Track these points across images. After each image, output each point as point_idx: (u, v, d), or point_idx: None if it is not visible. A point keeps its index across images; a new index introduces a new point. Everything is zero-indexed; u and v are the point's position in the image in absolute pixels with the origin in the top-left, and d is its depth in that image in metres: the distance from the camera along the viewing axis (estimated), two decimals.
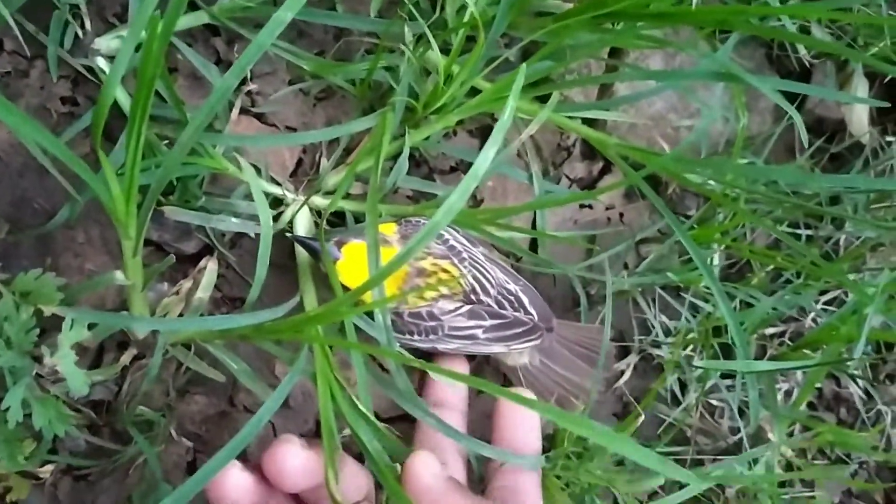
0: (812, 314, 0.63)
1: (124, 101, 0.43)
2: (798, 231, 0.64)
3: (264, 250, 0.44)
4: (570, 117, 0.55)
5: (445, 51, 0.48)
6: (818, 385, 0.65)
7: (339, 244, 0.45)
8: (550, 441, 0.53)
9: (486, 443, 0.47)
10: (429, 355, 0.50)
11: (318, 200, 0.49)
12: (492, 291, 0.48)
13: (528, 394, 0.48)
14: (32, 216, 0.45)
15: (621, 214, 0.61)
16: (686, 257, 0.58)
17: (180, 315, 0.46)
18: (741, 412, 0.59)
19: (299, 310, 0.46)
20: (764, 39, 0.64)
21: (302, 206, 0.48)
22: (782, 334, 0.64)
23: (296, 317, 0.39)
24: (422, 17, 0.48)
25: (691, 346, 0.59)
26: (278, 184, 0.49)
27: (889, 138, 0.68)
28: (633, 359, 0.59)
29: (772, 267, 0.61)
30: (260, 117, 0.50)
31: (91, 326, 0.40)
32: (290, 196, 0.49)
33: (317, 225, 0.48)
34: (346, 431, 0.40)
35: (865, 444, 0.58)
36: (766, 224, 0.51)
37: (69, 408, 0.41)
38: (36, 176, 0.45)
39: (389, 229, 0.48)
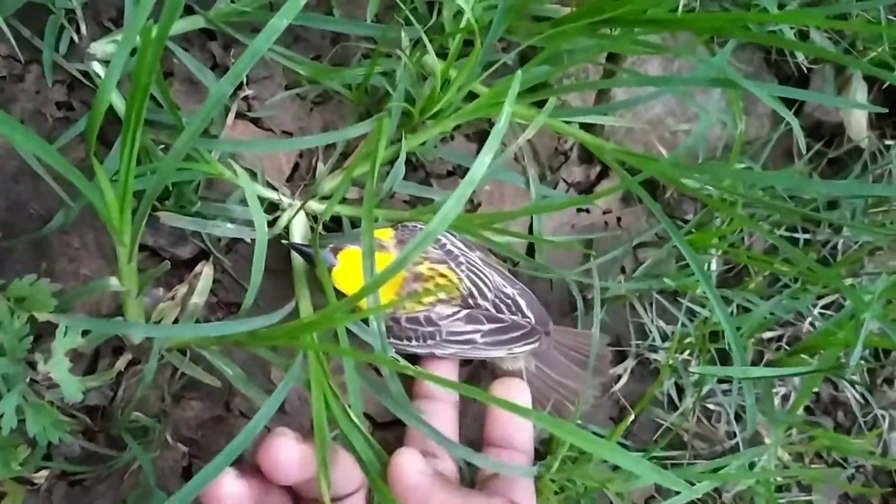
0: (809, 318, 0.63)
1: (120, 105, 0.43)
2: (796, 235, 0.64)
3: (259, 257, 0.44)
4: (567, 122, 0.55)
5: (443, 55, 0.48)
6: (815, 389, 0.65)
7: (336, 250, 0.44)
8: (546, 445, 0.53)
9: (479, 437, 0.48)
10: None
11: (315, 205, 0.49)
12: (489, 295, 0.48)
13: (522, 386, 0.49)
14: (27, 221, 0.45)
15: (619, 219, 0.60)
16: (683, 262, 0.58)
17: (176, 320, 0.46)
18: (738, 416, 0.59)
19: (295, 315, 0.46)
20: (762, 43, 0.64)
21: (298, 211, 0.48)
22: (779, 338, 0.64)
23: (290, 323, 0.39)
24: (418, 22, 0.48)
25: (688, 351, 0.59)
26: (274, 189, 0.49)
27: (888, 142, 0.68)
28: (629, 363, 0.59)
29: (769, 272, 0.61)
30: (256, 122, 0.50)
31: (85, 332, 0.39)
32: (286, 201, 0.49)
33: (313, 230, 0.48)
34: None
35: (862, 450, 0.58)
36: (763, 230, 0.51)
37: (64, 413, 0.41)
38: (31, 181, 0.45)
39: (386, 234, 0.48)
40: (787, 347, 0.63)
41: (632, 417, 0.51)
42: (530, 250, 0.57)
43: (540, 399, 0.51)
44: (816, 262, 0.60)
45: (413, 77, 0.48)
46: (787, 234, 0.64)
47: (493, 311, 0.48)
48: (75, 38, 0.46)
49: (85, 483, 0.45)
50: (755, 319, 0.57)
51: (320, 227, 0.48)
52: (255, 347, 0.44)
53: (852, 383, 0.64)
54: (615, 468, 0.51)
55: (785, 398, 0.63)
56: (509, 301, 0.49)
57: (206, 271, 0.46)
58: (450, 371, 0.50)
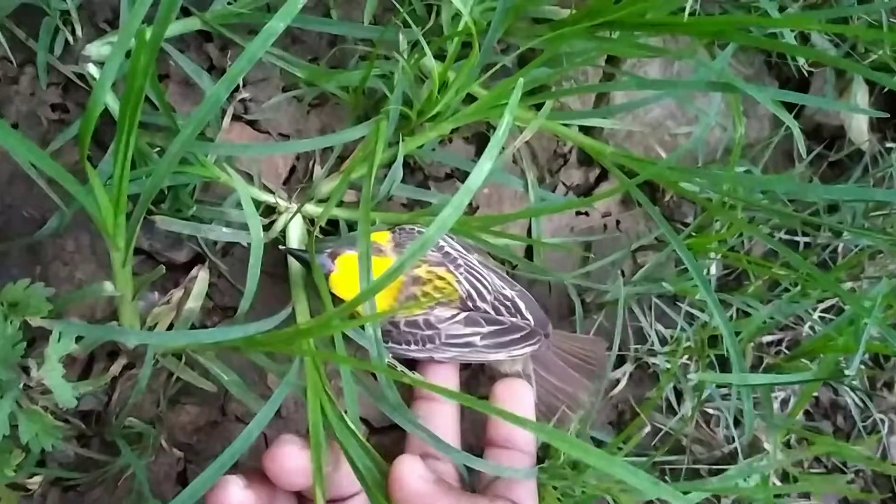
0: (809, 323, 0.63)
1: (115, 107, 0.42)
2: (796, 238, 0.64)
3: (254, 262, 0.44)
4: (566, 124, 0.54)
5: (441, 57, 0.47)
6: (815, 393, 0.65)
7: (333, 255, 0.44)
8: (545, 450, 0.52)
9: (480, 436, 0.48)
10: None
11: (312, 208, 0.49)
12: (488, 297, 0.48)
13: (526, 387, 0.48)
14: (22, 224, 0.45)
15: (618, 222, 0.60)
16: (683, 266, 0.58)
17: (171, 325, 0.45)
18: (737, 421, 0.59)
19: (292, 320, 0.46)
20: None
21: (295, 214, 0.48)
22: (779, 342, 0.64)
23: (286, 330, 0.39)
24: (417, 24, 0.47)
25: (687, 356, 0.59)
26: (271, 192, 0.49)
27: (889, 145, 0.68)
28: (628, 368, 0.58)
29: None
30: (253, 124, 0.50)
31: (79, 338, 0.39)
32: (282, 204, 0.48)
33: (310, 233, 0.48)
34: None
35: (862, 455, 0.58)
36: (763, 235, 0.50)
37: (58, 418, 0.40)
38: (25, 184, 0.44)
39: (383, 238, 0.47)
40: (786, 352, 0.63)
41: (647, 429, 0.50)
42: (529, 253, 0.57)
43: (538, 404, 0.51)
44: (816, 266, 0.60)
45: (411, 79, 0.48)
46: (788, 237, 0.64)
47: (493, 313, 0.48)
48: (70, 39, 0.45)
49: (79, 488, 0.45)
50: (754, 324, 0.57)
51: (317, 231, 0.47)
52: (251, 353, 0.44)
53: (852, 388, 0.64)
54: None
55: (784, 402, 0.63)
56: (508, 303, 0.49)
57: (201, 275, 0.46)
58: (450, 374, 0.49)
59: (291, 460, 0.37)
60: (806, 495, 0.62)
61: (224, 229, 0.47)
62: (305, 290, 0.47)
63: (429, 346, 0.47)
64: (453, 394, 0.38)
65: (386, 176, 0.50)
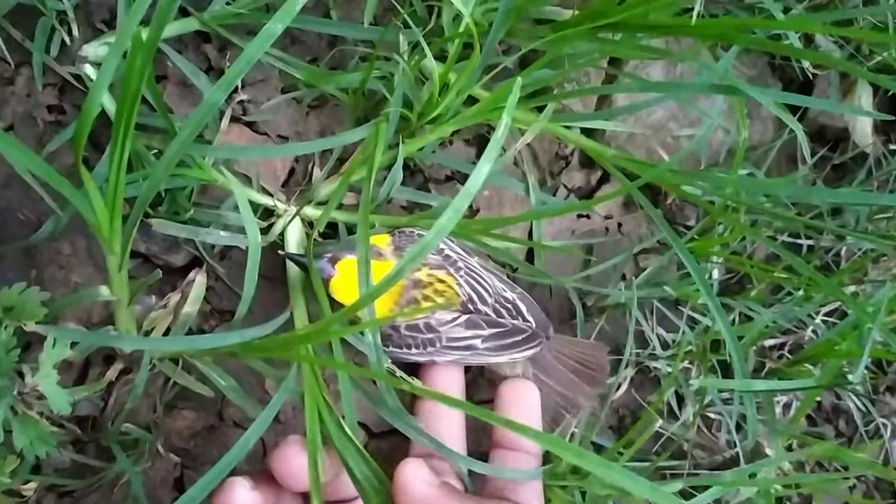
0: (811, 327, 0.62)
1: (112, 109, 0.42)
2: (799, 241, 0.63)
3: (252, 267, 0.43)
4: (567, 127, 0.54)
5: (441, 59, 0.47)
6: (817, 398, 0.64)
7: (334, 260, 0.44)
8: (548, 453, 0.52)
9: (485, 435, 0.47)
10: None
11: (310, 211, 0.48)
12: (489, 300, 0.48)
13: (531, 387, 0.48)
14: (18, 227, 0.44)
15: (619, 225, 0.60)
16: (685, 270, 0.57)
17: (168, 329, 0.45)
18: (738, 426, 0.59)
19: (290, 324, 0.45)
20: None
21: (293, 217, 0.47)
22: (781, 346, 0.63)
23: (284, 335, 0.39)
24: (417, 25, 0.47)
25: (689, 360, 0.58)
26: (270, 194, 0.48)
27: (893, 147, 0.68)
28: (629, 372, 0.58)
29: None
30: (251, 126, 0.49)
31: (75, 343, 0.39)
32: (281, 207, 0.48)
33: (308, 236, 0.47)
34: None
35: (864, 461, 0.57)
36: (765, 239, 0.50)
37: (53, 423, 0.40)
38: (21, 186, 0.44)
39: (383, 241, 0.47)
40: (788, 356, 0.62)
41: (641, 440, 0.50)
42: (529, 256, 0.56)
43: None
44: (819, 270, 0.60)
45: (411, 81, 0.47)
46: (791, 240, 0.63)
47: (494, 315, 0.48)
48: (67, 40, 0.45)
49: (75, 494, 0.45)
50: (757, 328, 0.57)
51: (316, 234, 0.47)
52: (248, 359, 0.43)
53: (855, 392, 0.64)
54: None
55: (786, 406, 0.63)
56: (509, 305, 0.48)
57: (198, 279, 0.46)
58: (455, 375, 0.49)
59: (298, 461, 0.37)
60: (807, 500, 0.62)
61: (222, 232, 0.46)
62: (304, 293, 0.46)
63: (430, 349, 0.47)
64: (455, 402, 0.37)
65: (385, 178, 0.49)
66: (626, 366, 0.58)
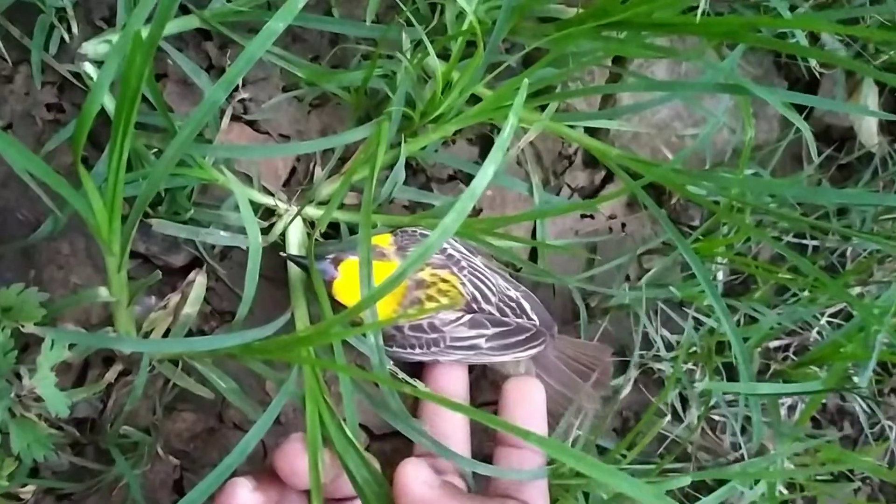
0: (817, 328, 0.62)
1: (112, 107, 0.41)
2: (804, 241, 0.63)
3: (252, 268, 0.43)
4: (571, 126, 0.53)
5: (444, 57, 0.46)
6: (822, 400, 0.64)
7: (337, 261, 0.43)
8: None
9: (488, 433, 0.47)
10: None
11: (312, 211, 0.48)
12: (493, 299, 0.47)
13: (537, 384, 0.47)
14: (17, 227, 0.44)
15: (623, 225, 0.59)
16: (690, 271, 0.57)
17: (168, 329, 0.44)
18: (743, 428, 0.58)
19: (291, 325, 0.45)
20: None
21: (295, 217, 0.47)
22: (786, 347, 0.63)
23: (285, 337, 0.38)
24: (420, 23, 0.46)
25: (693, 362, 0.58)
26: (271, 194, 0.48)
27: None
28: (633, 373, 0.57)
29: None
30: (252, 124, 0.49)
31: (73, 344, 0.38)
32: (282, 206, 0.47)
33: (310, 236, 0.47)
34: None
35: (869, 464, 0.57)
36: (770, 239, 0.49)
37: (51, 426, 0.40)
38: (20, 185, 0.43)
39: (385, 241, 0.47)
40: (793, 357, 0.62)
41: (644, 442, 0.49)
42: (533, 256, 0.56)
43: None
44: (825, 270, 0.59)
45: (414, 80, 0.47)
46: (796, 240, 0.63)
47: (498, 314, 0.47)
48: (66, 37, 0.45)
49: (73, 497, 0.44)
50: (762, 330, 0.56)
51: (317, 234, 0.46)
52: (249, 360, 0.43)
53: (860, 394, 0.63)
54: None
55: (791, 408, 0.62)
56: (513, 304, 0.48)
57: (199, 280, 0.45)
58: (459, 374, 0.48)
59: (301, 458, 0.37)
60: (812, 502, 0.61)
61: (222, 233, 0.46)
62: (305, 294, 0.46)
63: (433, 349, 0.46)
64: (458, 406, 0.37)
65: (388, 178, 0.49)
66: (630, 367, 0.57)
